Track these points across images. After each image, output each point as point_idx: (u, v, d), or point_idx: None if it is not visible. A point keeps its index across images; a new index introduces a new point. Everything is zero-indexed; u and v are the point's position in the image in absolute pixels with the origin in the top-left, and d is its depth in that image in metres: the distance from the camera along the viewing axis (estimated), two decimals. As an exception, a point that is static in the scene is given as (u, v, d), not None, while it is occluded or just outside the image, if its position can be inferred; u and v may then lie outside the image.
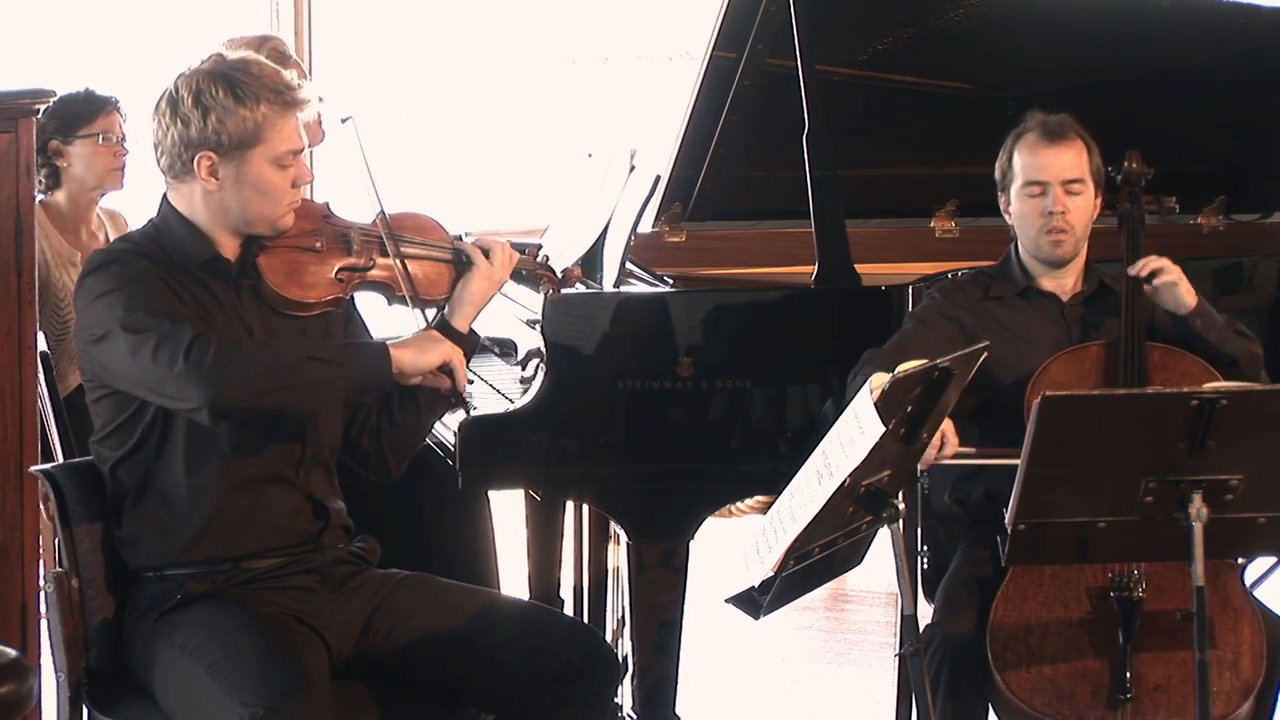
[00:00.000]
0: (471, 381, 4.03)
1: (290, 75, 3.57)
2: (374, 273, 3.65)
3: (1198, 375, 4.02)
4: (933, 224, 5.17)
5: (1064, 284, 4.22)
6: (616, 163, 4.85)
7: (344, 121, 3.73)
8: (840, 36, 4.87)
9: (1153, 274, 4.10)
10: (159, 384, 3.41)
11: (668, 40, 7.84)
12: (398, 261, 3.63)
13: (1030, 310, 4.21)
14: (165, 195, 3.60)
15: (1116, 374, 4.04)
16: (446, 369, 3.56)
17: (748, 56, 4.74)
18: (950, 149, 5.16)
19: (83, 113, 4.92)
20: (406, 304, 3.66)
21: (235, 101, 3.47)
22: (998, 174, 4.23)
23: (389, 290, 3.67)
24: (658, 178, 4.71)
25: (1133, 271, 4.11)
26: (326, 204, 3.71)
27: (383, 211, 3.67)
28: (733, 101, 4.80)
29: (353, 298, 3.74)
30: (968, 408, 4.02)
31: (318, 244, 3.62)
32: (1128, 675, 3.82)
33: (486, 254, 3.70)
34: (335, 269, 3.62)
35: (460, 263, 3.71)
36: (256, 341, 3.50)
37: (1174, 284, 4.10)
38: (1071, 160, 4.14)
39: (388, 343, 3.55)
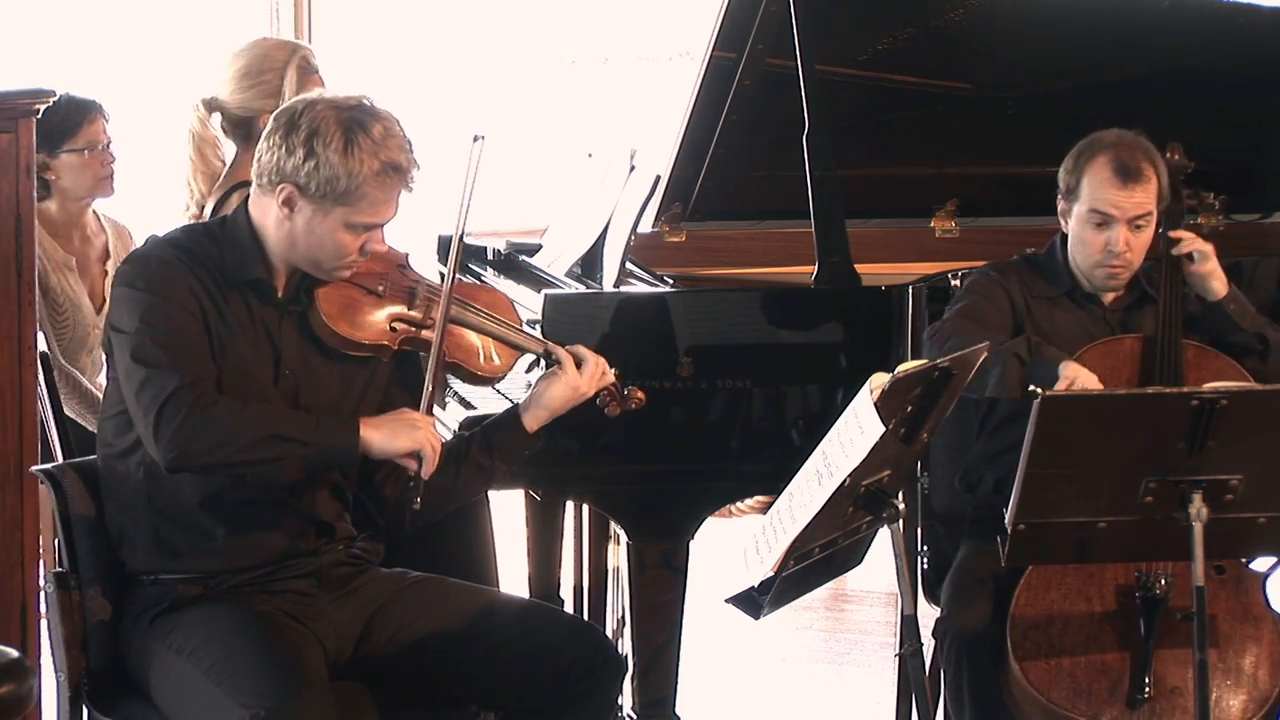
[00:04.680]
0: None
1: (412, 157, 3.47)
2: (427, 332, 3.55)
3: (1231, 375, 4.00)
4: (933, 224, 5.17)
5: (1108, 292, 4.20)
6: (616, 163, 4.85)
7: (476, 140, 3.57)
8: (840, 36, 4.87)
9: (1191, 255, 4.07)
10: (135, 418, 3.43)
11: (668, 40, 7.83)
12: (442, 323, 3.51)
13: (1073, 310, 4.17)
14: (248, 197, 3.56)
15: (1151, 368, 4.02)
16: (416, 455, 3.46)
17: (748, 56, 4.74)
18: (950, 149, 5.16)
19: (66, 125, 4.79)
20: (453, 372, 3.57)
21: (342, 156, 3.41)
22: (1061, 182, 4.13)
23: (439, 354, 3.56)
24: (658, 178, 4.71)
25: (1175, 251, 4.07)
26: (406, 255, 3.65)
27: (454, 274, 3.55)
28: (733, 101, 4.80)
29: (418, 354, 3.65)
30: (1006, 404, 4.02)
31: (380, 288, 3.56)
32: (1147, 675, 3.81)
33: (579, 363, 3.64)
34: (391, 317, 3.56)
35: (538, 355, 3.67)
36: (228, 411, 3.39)
37: (1208, 274, 4.09)
38: (1142, 199, 4.05)
39: (361, 420, 3.46)
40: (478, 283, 3.71)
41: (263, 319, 3.53)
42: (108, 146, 4.90)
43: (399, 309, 3.57)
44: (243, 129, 4.49)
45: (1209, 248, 4.11)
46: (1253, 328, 4.10)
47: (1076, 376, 3.88)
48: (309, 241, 3.48)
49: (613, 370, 3.69)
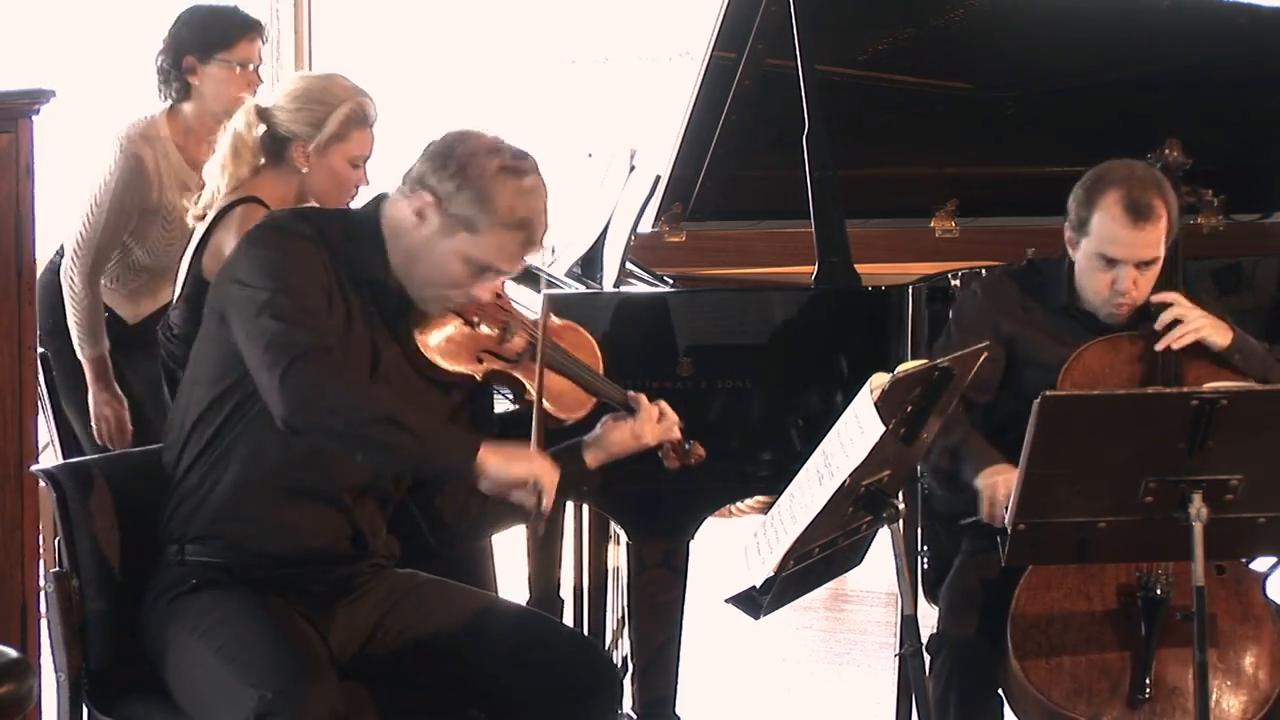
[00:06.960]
0: None
1: (547, 227, 3.51)
2: (514, 368, 3.55)
3: (1232, 373, 3.98)
4: (933, 224, 5.17)
5: None
6: (616, 163, 4.86)
7: (590, 156, 3.63)
8: (840, 36, 4.87)
9: (1171, 325, 4.00)
10: (256, 372, 3.39)
11: (668, 40, 7.83)
12: (538, 365, 3.50)
13: (1070, 323, 4.11)
14: (383, 198, 3.54)
15: (1152, 366, 3.99)
16: (535, 487, 3.42)
17: (748, 56, 4.74)
18: (950, 149, 5.16)
19: (225, 36, 4.70)
20: (531, 409, 3.52)
21: (488, 187, 3.42)
22: (1071, 212, 4.04)
23: (520, 389, 3.56)
24: (658, 178, 4.72)
25: (1158, 326, 4.02)
26: (504, 290, 3.66)
27: (548, 314, 3.55)
28: (733, 101, 4.80)
29: (491, 385, 3.65)
30: (1001, 415, 4.01)
31: (476, 318, 3.56)
32: (1148, 675, 3.79)
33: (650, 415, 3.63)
34: (481, 349, 3.55)
35: (617, 405, 3.64)
36: (356, 384, 3.40)
37: (1201, 337, 4.01)
38: (1152, 240, 3.98)
39: (484, 442, 3.42)
40: (570, 324, 3.69)
41: (370, 317, 3.52)
42: (257, 69, 4.78)
43: (490, 342, 3.57)
44: (276, 147, 4.36)
45: (1184, 314, 4.01)
46: (1261, 375, 4.03)
47: (994, 494, 3.85)
48: (426, 258, 3.47)
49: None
